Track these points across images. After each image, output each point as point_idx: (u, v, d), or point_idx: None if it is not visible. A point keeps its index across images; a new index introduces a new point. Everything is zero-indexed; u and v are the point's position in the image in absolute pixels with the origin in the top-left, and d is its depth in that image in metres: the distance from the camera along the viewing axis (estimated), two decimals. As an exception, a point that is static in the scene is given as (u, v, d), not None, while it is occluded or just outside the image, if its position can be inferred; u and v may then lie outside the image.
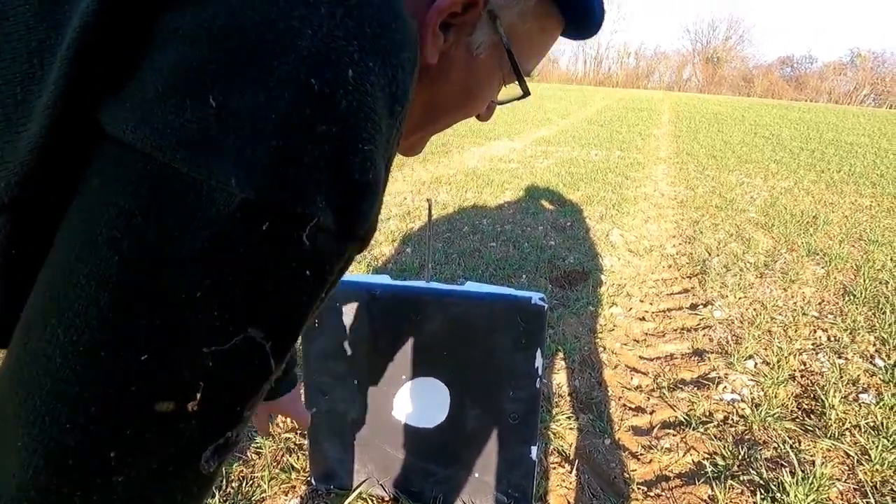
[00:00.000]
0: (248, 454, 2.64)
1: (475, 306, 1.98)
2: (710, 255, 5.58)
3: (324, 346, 2.10)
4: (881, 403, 3.17)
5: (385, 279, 2.05)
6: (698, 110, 29.28)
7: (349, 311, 2.04)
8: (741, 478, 2.60)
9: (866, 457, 2.75)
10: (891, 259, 5.63)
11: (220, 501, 2.39)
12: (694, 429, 2.93)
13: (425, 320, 2.01)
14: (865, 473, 2.66)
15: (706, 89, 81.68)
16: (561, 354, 3.58)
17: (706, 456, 2.74)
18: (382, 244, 5.41)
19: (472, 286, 2.01)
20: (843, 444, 2.83)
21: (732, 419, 3.04)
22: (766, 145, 14.64)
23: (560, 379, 3.35)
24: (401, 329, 2.04)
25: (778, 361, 3.59)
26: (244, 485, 2.48)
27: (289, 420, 2.86)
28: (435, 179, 8.43)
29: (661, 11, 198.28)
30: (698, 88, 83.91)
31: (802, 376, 3.47)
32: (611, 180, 8.93)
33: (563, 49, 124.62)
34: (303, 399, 2.09)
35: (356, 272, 4.61)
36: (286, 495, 2.43)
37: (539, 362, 2.00)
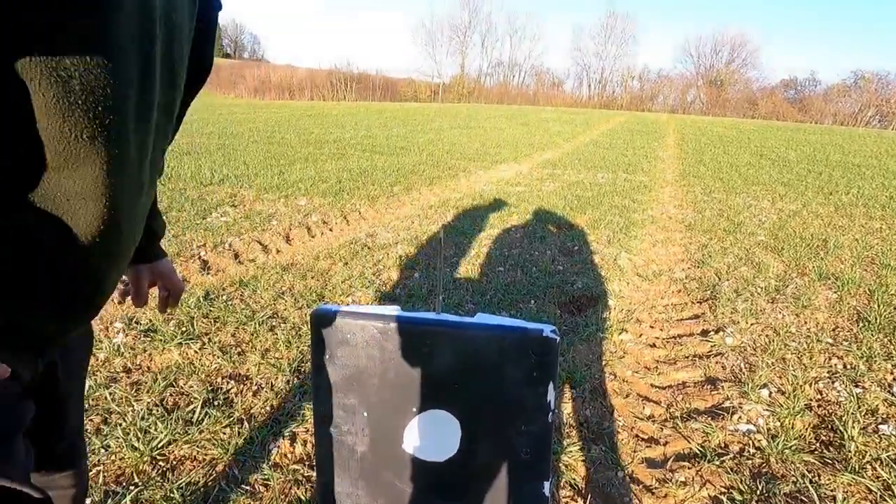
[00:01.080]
0: (256, 486, 2.60)
1: (486, 338, 1.93)
2: (719, 279, 5.52)
3: (333, 377, 2.05)
4: (901, 435, 3.11)
5: (395, 310, 2.00)
6: (703, 132, 29.35)
7: (359, 343, 1.99)
8: (760, 513, 2.54)
9: (889, 492, 2.68)
10: (903, 284, 5.57)
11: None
12: (709, 461, 2.86)
13: (436, 352, 1.97)
14: (888, 509, 2.59)
15: (710, 111, 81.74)
16: (571, 383, 3.53)
17: (723, 490, 2.67)
18: (390, 269, 5.37)
19: (482, 318, 1.96)
20: (864, 478, 2.75)
21: (748, 451, 2.97)
22: (773, 167, 14.63)
23: (571, 408, 3.29)
24: (411, 361, 2.00)
25: (793, 390, 3.53)
26: (250, 520, 2.44)
27: (297, 450, 2.82)
28: (442, 203, 8.41)
29: (664, 35, 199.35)
30: (702, 111, 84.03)
31: (819, 406, 3.41)
32: (617, 203, 8.91)
33: (568, 72, 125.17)
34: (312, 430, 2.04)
35: (364, 300, 4.57)
36: (293, 531, 2.38)
37: (552, 396, 1.94)
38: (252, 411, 3.13)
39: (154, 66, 0.91)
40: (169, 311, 1.64)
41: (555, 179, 11.10)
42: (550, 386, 1.93)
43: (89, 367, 3.43)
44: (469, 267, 5.57)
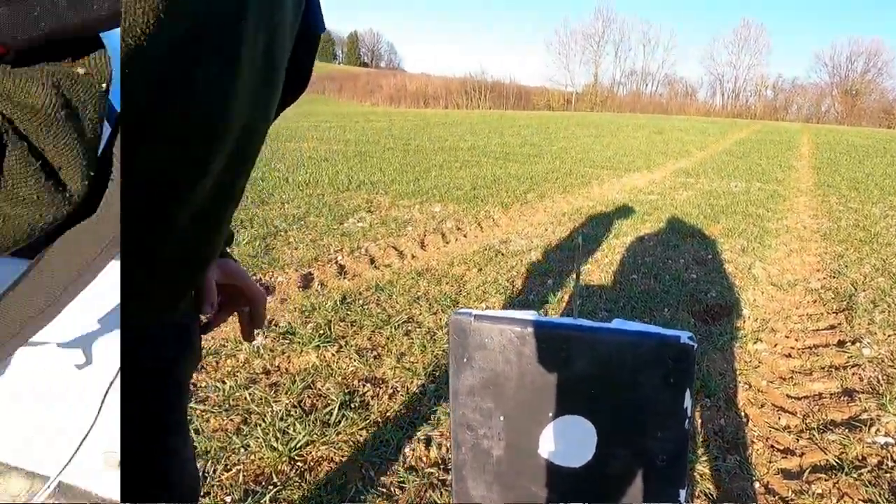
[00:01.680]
0: (392, 489, 2.67)
1: (623, 344, 1.95)
2: (856, 289, 5.37)
3: (471, 381, 2.10)
4: None
5: (532, 314, 2.04)
6: (838, 142, 28.37)
7: (496, 347, 2.03)
8: (902, 528, 2.49)
9: None
10: None
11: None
12: (847, 474, 2.80)
13: (572, 357, 1.99)
14: None
15: (845, 121, 78.93)
16: (705, 392, 3.50)
17: (861, 503, 2.63)
18: (524, 275, 5.42)
19: (619, 323, 1.99)
20: None
21: (887, 464, 2.90)
22: (913, 177, 14.05)
23: (705, 417, 3.27)
24: (548, 365, 2.03)
25: (936, 405, 3.42)
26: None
27: (432, 454, 2.88)
28: (575, 211, 8.42)
29: (798, 44, 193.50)
30: (837, 120, 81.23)
31: (965, 422, 3.30)
32: (751, 212, 8.73)
33: (701, 81, 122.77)
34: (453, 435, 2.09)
35: (498, 306, 4.63)
36: (430, 531, 2.43)
37: (688, 403, 1.95)
38: (387, 414, 3.21)
39: (253, 54, 0.86)
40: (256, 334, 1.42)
41: (688, 188, 10.96)
42: (687, 393, 1.94)
43: (229, 369, 3.56)
44: (602, 274, 5.57)
